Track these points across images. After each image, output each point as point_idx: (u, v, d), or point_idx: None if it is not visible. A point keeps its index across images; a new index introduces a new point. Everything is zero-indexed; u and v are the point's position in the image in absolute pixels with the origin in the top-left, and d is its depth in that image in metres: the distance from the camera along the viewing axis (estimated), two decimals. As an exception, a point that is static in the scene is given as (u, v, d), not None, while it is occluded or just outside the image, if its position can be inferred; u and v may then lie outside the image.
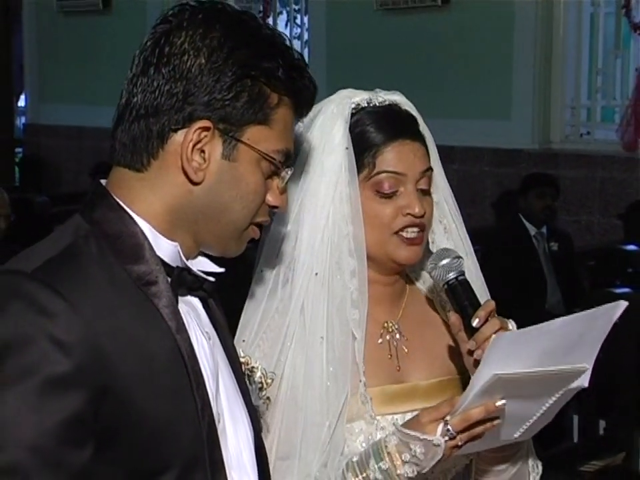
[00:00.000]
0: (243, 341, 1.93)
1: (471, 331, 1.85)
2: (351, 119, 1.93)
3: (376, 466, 1.80)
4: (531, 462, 1.99)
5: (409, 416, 1.88)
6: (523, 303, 5.63)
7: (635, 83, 7.57)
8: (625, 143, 7.48)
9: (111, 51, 9.89)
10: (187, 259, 1.54)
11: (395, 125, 1.93)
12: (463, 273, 1.90)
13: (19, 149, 11.82)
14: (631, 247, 6.49)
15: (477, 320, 1.84)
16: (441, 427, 1.75)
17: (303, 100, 1.57)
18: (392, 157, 1.90)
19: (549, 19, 7.72)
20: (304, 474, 1.84)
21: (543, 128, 7.81)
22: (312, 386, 1.86)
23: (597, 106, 8.14)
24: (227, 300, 1.68)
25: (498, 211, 7.71)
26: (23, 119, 12.14)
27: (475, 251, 2.03)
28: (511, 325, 1.89)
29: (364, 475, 1.81)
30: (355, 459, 1.83)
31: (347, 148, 1.91)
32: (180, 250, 1.52)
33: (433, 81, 7.93)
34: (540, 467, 2.01)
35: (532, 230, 6.45)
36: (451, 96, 7.92)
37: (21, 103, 12.77)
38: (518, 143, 7.77)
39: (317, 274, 1.90)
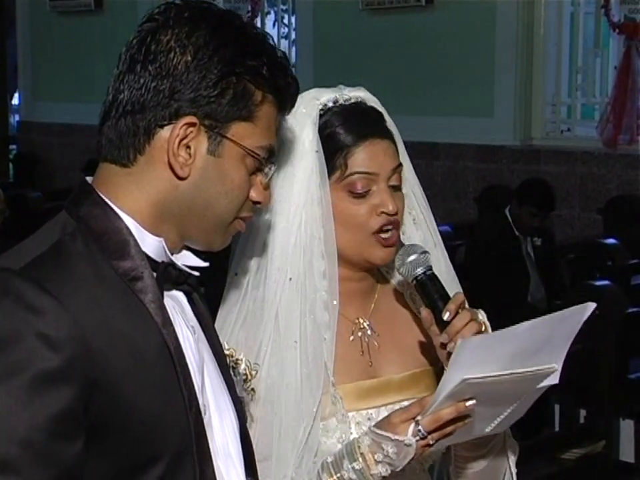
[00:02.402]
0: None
1: (443, 325, 1.84)
2: (320, 120, 1.91)
3: (350, 466, 1.80)
4: (509, 445, 1.99)
5: (383, 410, 1.90)
6: (506, 298, 5.61)
7: (614, 80, 7.66)
8: (604, 140, 7.56)
9: (103, 49, 9.86)
10: (172, 254, 1.53)
11: (363, 124, 1.91)
12: (430, 268, 1.89)
13: (13, 146, 11.82)
14: (611, 241, 6.49)
15: (447, 313, 1.83)
16: (412, 427, 1.76)
17: (287, 97, 1.58)
18: (363, 158, 1.88)
19: (530, 18, 7.80)
20: (280, 475, 1.85)
21: (524, 125, 7.88)
22: (287, 389, 1.86)
23: (577, 103, 8.21)
24: (209, 293, 1.70)
25: (481, 205, 7.70)
26: (17, 117, 12.13)
27: (459, 246, 2.04)
28: (481, 315, 1.90)
29: (338, 475, 1.82)
30: (329, 460, 1.84)
31: (317, 151, 1.89)
32: (165, 245, 1.51)
33: (418, 79, 7.98)
34: (517, 448, 2.01)
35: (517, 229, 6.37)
36: (435, 94, 7.96)
37: (15, 101, 12.78)
38: (500, 140, 7.85)
39: (290, 279, 1.88)
